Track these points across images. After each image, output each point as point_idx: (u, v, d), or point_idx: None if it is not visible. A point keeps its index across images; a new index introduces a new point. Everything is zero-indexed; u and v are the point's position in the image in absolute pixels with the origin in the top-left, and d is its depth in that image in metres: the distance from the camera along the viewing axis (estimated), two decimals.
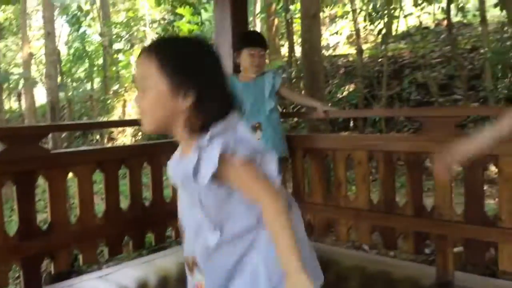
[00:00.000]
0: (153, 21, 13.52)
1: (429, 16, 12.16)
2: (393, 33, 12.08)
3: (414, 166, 2.74)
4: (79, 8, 12.98)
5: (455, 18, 11.47)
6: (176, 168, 1.35)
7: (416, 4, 9.57)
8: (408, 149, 2.75)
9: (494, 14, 10.91)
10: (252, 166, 1.23)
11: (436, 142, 2.60)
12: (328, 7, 12.35)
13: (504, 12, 8.48)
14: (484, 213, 2.51)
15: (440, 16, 12.09)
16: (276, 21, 14.24)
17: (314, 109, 3.23)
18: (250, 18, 15.88)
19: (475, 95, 7.95)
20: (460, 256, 3.55)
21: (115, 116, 14.96)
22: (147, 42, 13.76)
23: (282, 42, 13.85)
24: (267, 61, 3.14)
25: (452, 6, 9.13)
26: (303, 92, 5.97)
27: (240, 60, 3.06)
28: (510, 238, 2.39)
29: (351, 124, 9.37)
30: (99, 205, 2.93)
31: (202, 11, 12.23)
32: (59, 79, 14.13)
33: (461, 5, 9.78)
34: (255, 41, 3.04)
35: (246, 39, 3.08)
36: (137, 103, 1.29)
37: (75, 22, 13.95)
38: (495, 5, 8.31)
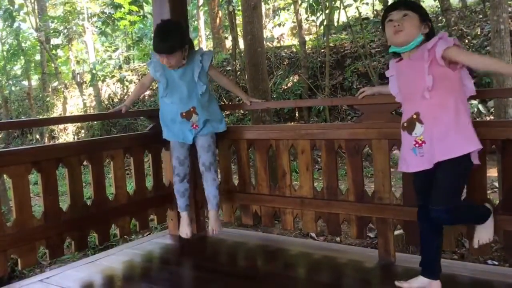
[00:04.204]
0: (92, 15, 13.09)
1: (368, 7, 12.46)
2: (335, 24, 12.31)
3: (354, 153, 2.81)
4: (11, 1, 12.34)
5: None
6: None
7: None
8: (348, 136, 2.82)
9: (429, 4, 11.35)
10: None
11: (373, 129, 2.69)
12: None
13: (437, 2, 8.85)
14: None
15: (378, 7, 12.42)
16: (219, 13, 14.15)
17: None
18: (194, 11, 15.70)
19: None
20: (401, 238, 3.70)
21: (55, 114, 14.44)
22: (87, 37, 13.33)
23: (226, 35, 13.79)
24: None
25: None
26: (247, 84, 5.97)
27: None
28: None
29: (297, 114, 9.50)
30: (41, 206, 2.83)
31: (144, 3, 11.98)
32: None
33: None
34: (158, 47, 2.95)
35: (153, 42, 3.00)
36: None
37: (8, 17, 13.26)
38: None
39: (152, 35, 3.39)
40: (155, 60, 3.06)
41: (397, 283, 2.33)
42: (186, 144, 3.15)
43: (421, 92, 2.13)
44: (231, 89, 3.60)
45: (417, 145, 2.17)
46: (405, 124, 2.22)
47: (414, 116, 2.17)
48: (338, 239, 4.36)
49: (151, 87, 13.10)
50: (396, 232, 2.83)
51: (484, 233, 2.27)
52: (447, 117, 2.11)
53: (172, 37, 2.92)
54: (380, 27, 11.42)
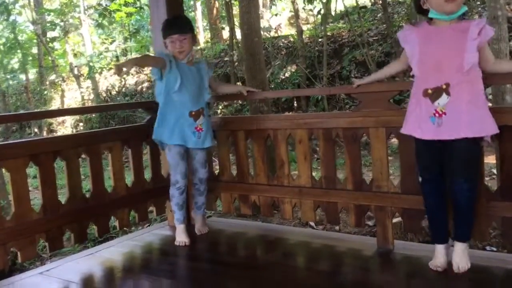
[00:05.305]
0: (88, 7, 13.02)
1: None
2: (332, 13, 12.27)
3: (352, 141, 2.80)
4: None
5: None
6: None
7: None
8: (346, 125, 2.81)
9: None
10: None
11: (371, 118, 2.68)
12: None
13: None
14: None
15: None
16: (216, 4, 14.07)
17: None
18: (191, 2, 15.62)
19: (410, 70, 8.24)
20: (400, 226, 3.71)
21: (54, 107, 14.42)
22: (83, 30, 13.27)
23: (223, 25, 13.72)
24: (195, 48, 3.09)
25: None
26: (245, 75, 5.95)
27: (168, 49, 3.03)
28: None
29: (295, 104, 9.49)
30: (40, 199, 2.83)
31: None
32: None
33: None
34: (172, 28, 2.99)
35: (165, 28, 3.03)
36: None
37: (3, 10, 13.19)
38: None
39: (149, 27, 3.40)
40: (169, 54, 3.00)
41: (430, 265, 2.35)
42: (185, 156, 3.11)
43: (458, 64, 2.14)
44: (229, 90, 3.54)
45: (436, 115, 2.19)
46: (429, 91, 2.20)
47: (444, 86, 2.17)
48: (337, 227, 4.38)
49: (148, 79, 13.08)
50: (395, 220, 2.83)
51: (464, 260, 2.28)
52: (475, 95, 2.16)
53: (184, 18, 3.14)
54: (378, 15, 11.29)
